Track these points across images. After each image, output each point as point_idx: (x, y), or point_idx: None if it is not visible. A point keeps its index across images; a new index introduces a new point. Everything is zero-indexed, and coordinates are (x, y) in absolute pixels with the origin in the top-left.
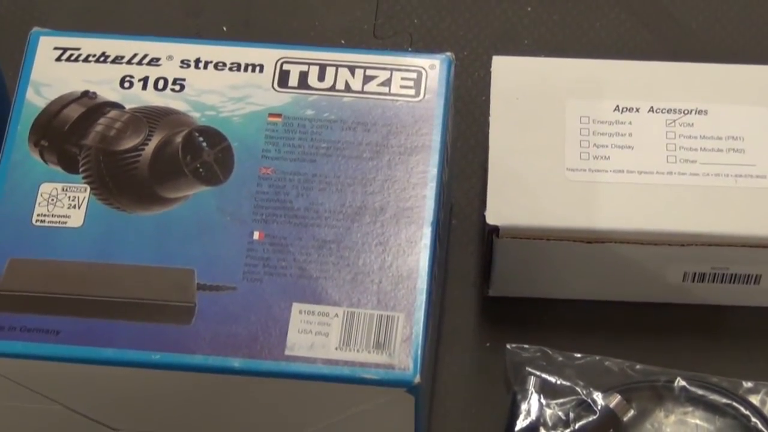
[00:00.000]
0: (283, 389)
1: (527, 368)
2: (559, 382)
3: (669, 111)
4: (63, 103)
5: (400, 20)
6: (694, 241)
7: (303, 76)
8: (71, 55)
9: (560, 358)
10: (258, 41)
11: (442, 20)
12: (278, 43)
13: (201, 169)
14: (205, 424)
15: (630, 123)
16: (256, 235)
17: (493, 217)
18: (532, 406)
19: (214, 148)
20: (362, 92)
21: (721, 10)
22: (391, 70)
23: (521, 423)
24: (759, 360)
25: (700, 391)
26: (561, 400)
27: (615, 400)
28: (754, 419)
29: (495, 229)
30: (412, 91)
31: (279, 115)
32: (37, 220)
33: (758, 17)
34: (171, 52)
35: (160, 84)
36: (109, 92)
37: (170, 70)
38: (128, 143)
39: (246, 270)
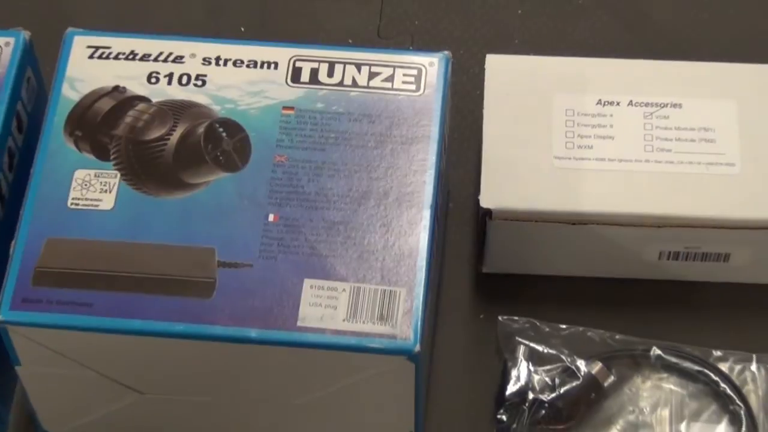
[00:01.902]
0: (295, 357)
1: (517, 338)
2: (546, 350)
3: (646, 105)
4: (95, 96)
5: (402, 22)
6: (669, 222)
7: (314, 73)
8: (103, 53)
9: (547, 329)
10: (273, 41)
11: (441, 22)
12: (291, 43)
13: (221, 157)
14: (223, 389)
15: (611, 115)
16: (271, 217)
17: (486, 201)
18: (521, 372)
19: (233, 138)
20: (367, 87)
21: (695, 14)
22: (394, 67)
23: (512, 387)
24: (728, 331)
25: (674, 359)
26: (547, 367)
27: (597, 367)
28: (723, 385)
29: (488, 212)
30: (413, 87)
31: (292, 108)
32: (72, 204)
33: (729, 20)
34: (193, 51)
35: (184, 79)
36: (137, 87)
37: (193, 66)
38: (155, 133)
39: (262, 249)
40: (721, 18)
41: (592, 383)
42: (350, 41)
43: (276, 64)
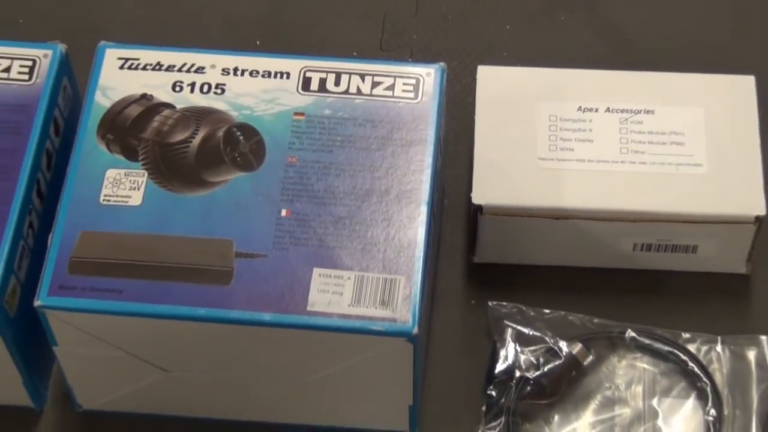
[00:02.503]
0: (305, 339)
1: (505, 322)
2: (531, 333)
3: (622, 111)
4: (125, 103)
5: (401, 36)
6: (643, 218)
7: (322, 82)
8: (132, 64)
9: (532, 314)
10: (285, 53)
11: (437, 36)
12: (302, 55)
13: (238, 158)
14: (239, 368)
15: (590, 121)
16: (283, 212)
17: (477, 198)
18: (509, 352)
19: (249, 140)
20: (371, 95)
21: (665, 30)
22: (394, 77)
23: (500, 366)
24: (695, 315)
25: (646, 341)
26: (533, 348)
27: (577, 347)
28: (691, 364)
29: (479, 208)
30: (411, 94)
31: (302, 114)
32: (103, 200)
33: (695, 35)
34: (214, 62)
35: (205, 88)
36: (163, 95)
37: (213, 76)
38: (179, 136)
39: (275, 241)
40: (688, 34)
41: (573, 362)
42: (355, 54)
43: (288, 74)
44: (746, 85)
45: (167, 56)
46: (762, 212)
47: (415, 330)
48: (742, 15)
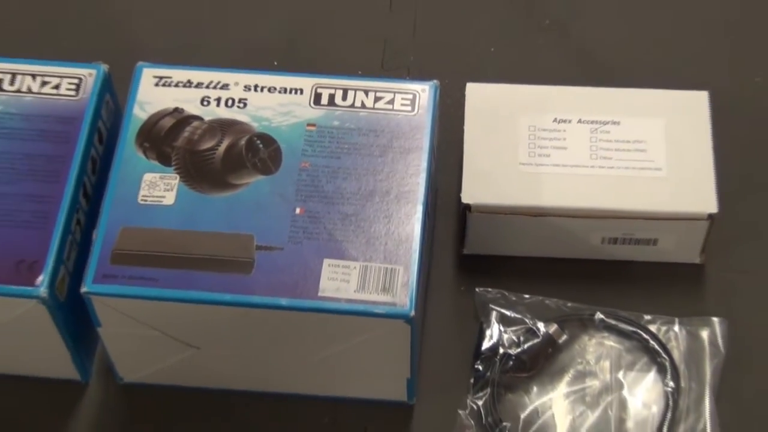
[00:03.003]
0: (316, 321)
1: (490, 305)
2: (513, 315)
3: (592, 122)
4: (160, 116)
5: (400, 57)
6: (609, 215)
7: (331, 97)
8: (165, 81)
9: (514, 298)
10: (299, 72)
11: (431, 57)
12: (313, 73)
13: (258, 164)
14: (259, 346)
15: (564, 131)
16: (297, 211)
17: (466, 198)
18: (493, 332)
19: (268, 148)
20: (373, 108)
21: (630, 51)
22: (394, 92)
23: (486, 344)
24: (656, 299)
25: (613, 322)
26: (514, 328)
27: (553, 327)
28: (652, 342)
29: (468, 207)
30: (409, 108)
31: (314, 125)
32: (141, 200)
33: (657, 56)
34: (237, 80)
35: (229, 102)
36: (193, 108)
37: (236, 92)
38: (206, 144)
39: (290, 235)
40: (650, 55)
41: (549, 341)
42: (359, 72)
43: (301, 91)
44: (701, 99)
45: (196, 75)
46: (714, 210)
47: (412, 313)
48: (698, 39)
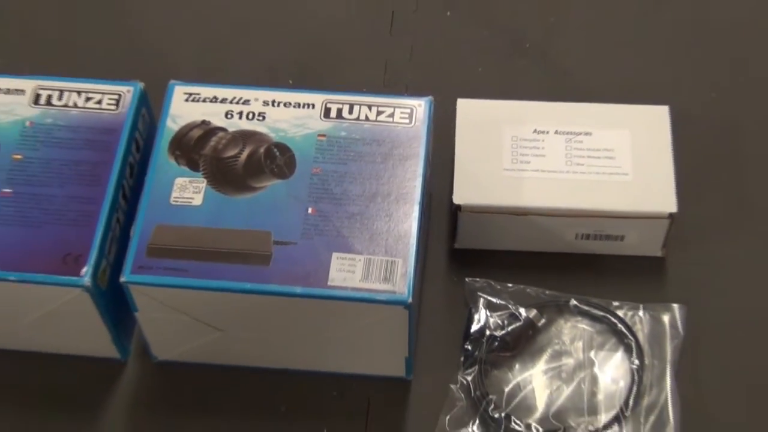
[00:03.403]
0: (326, 306)
1: (478, 293)
2: (498, 301)
3: (567, 133)
4: (189, 127)
5: (399, 77)
6: (582, 214)
7: (339, 111)
8: (194, 97)
9: (499, 287)
10: (311, 89)
11: (426, 76)
12: (323, 90)
13: (275, 169)
14: (276, 328)
15: (543, 140)
16: (309, 210)
17: (457, 199)
18: (481, 316)
19: (284, 155)
20: (376, 121)
21: (601, 71)
22: (394, 107)
23: (474, 327)
24: (623, 288)
25: (585, 308)
26: (499, 313)
27: (533, 312)
28: (619, 325)
29: (458, 207)
30: (407, 120)
31: (324, 135)
32: (173, 201)
33: (624, 75)
34: (257, 96)
35: (250, 116)
36: (218, 121)
37: (256, 107)
38: (230, 152)
39: (303, 231)
40: (618, 74)
41: (530, 324)
42: (364, 89)
43: (313, 105)
44: (662, 113)
45: (221, 92)
46: (674, 210)
47: (410, 300)
48: (660, 59)
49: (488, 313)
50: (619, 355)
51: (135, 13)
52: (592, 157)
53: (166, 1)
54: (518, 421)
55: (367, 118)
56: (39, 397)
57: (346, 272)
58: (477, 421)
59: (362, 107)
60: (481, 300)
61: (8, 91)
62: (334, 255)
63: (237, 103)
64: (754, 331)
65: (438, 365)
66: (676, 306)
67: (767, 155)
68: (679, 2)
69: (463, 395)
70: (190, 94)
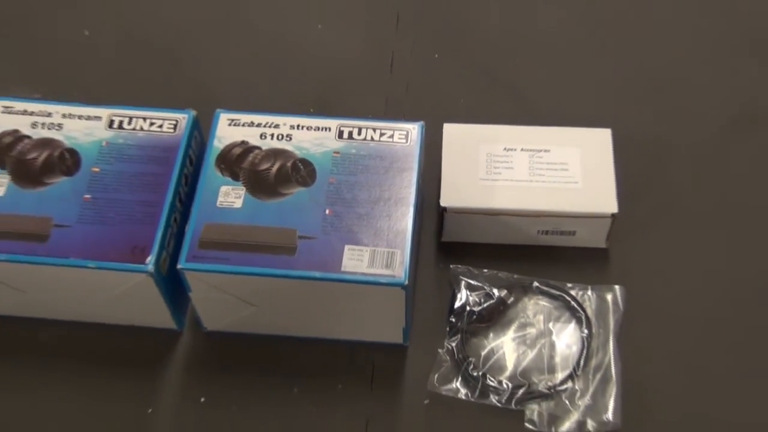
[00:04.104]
0: (340, 288)
1: (460, 277)
2: (476, 283)
3: (531, 150)
4: (231, 146)
5: (398, 106)
6: (543, 215)
7: (350, 133)
8: (235, 122)
9: (476, 272)
10: (328, 116)
11: (419, 106)
12: (338, 117)
13: (300, 179)
14: (298, 304)
15: (511, 156)
16: (327, 212)
17: (444, 202)
18: (462, 295)
19: (307, 168)
20: (379, 141)
21: (559, 101)
22: (393, 130)
23: (457, 304)
24: (575, 273)
25: (545, 288)
26: (477, 293)
27: (503, 292)
28: (573, 303)
29: (444, 209)
30: (404, 140)
31: (338, 152)
32: (219, 204)
33: (576, 104)
34: (285, 121)
35: (279, 137)
36: (255, 141)
37: (284, 130)
38: (264, 166)
39: (322, 229)
40: (572, 103)
41: (501, 301)
42: (370, 116)
43: (329, 128)
44: (606, 134)
45: (257, 118)
46: (615, 210)
47: (406, 282)
48: (604, 92)
49: (468, 293)
50: (572, 326)
51: (190, 55)
52: (550, 169)
53: (216, 46)
54: (492, 378)
55: (372, 139)
56: (111, 361)
57: (356, 260)
58: (459, 379)
59: (368, 130)
60: (463, 282)
61: (89, 118)
62: (347, 247)
63: (269, 126)
64: (679, 306)
65: (428, 334)
66: (617, 287)
67: (688, 168)
68: (621, 47)
69: (448, 358)
70: (232, 120)
